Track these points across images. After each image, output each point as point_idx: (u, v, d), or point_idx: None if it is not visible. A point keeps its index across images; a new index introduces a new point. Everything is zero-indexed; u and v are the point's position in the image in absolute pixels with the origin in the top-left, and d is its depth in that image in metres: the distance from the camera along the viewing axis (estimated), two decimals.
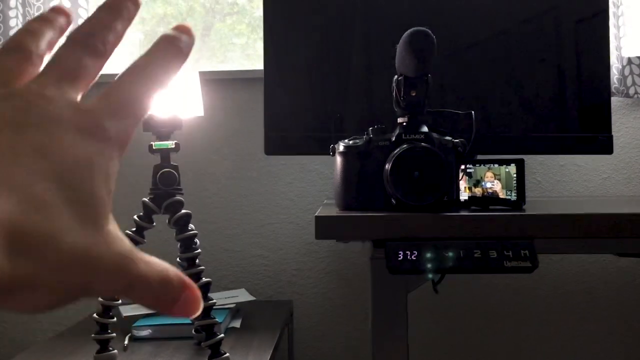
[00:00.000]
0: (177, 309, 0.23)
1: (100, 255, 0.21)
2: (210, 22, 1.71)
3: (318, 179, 1.52)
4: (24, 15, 1.47)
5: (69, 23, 0.28)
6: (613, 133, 1.21)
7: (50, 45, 0.27)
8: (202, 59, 1.65)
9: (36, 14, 1.45)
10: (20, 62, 0.25)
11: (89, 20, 0.26)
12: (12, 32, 1.43)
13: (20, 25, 1.45)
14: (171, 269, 0.24)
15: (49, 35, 0.27)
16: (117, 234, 0.22)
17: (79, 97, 0.24)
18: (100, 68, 0.26)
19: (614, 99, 1.41)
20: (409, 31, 0.80)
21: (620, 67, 1.42)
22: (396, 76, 0.87)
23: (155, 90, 0.26)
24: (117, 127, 0.24)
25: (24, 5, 1.47)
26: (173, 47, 0.27)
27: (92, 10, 1.50)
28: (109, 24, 0.26)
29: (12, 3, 1.45)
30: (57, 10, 0.28)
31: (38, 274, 0.19)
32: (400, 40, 0.81)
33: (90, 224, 0.21)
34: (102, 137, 0.23)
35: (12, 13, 1.45)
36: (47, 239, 0.19)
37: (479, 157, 0.98)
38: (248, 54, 1.68)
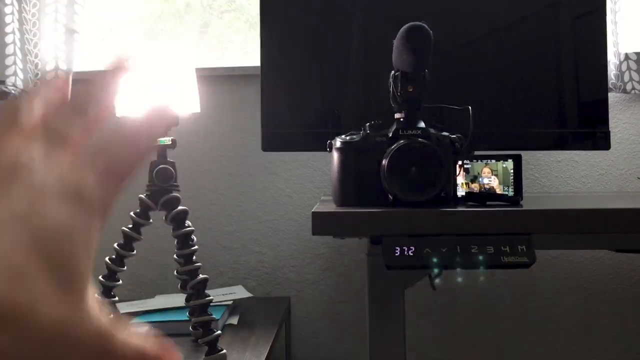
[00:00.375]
0: None
1: (78, 330, 0.20)
2: (208, 20, 1.70)
3: (316, 175, 1.51)
4: (19, 12, 1.46)
5: (65, 95, 0.28)
6: (610, 129, 1.21)
7: (43, 113, 0.26)
8: (199, 56, 1.65)
9: (32, 10, 1.45)
10: (12, 131, 0.24)
11: (82, 87, 0.26)
12: (8, 28, 1.42)
13: (16, 22, 1.45)
14: (148, 344, 0.23)
15: (43, 106, 0.26)
16: (96, 306, 0.22)
17: (67, 160, 0.24)
18: (94, 126, 0.25)
19: (611, 95, 1.40)
20: (405, 26, 0.79)
21: (618, 62, 1.42)
22: (393, 72, 0.87)
23: (142, 159, 0.26)
24: (102, 195, 0.23)
25: (19, 1, 1.46)
26: (164, 119, 0.27)
27: (87, 4, 1.49)
28: (101, 94, 0.27)
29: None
30: (57, 87, 0.27)
31: (13, 348, 0.19)
32: (397, 36, 0.81)
33: (70, 296, 0.20)
34: (85, 205, 0.22)
35: (7, 9, 1.44)
36: (25, 311, 0.19)
37: (476, 153, 0.98)
38: (246, 51, 1.68)
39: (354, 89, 1.22)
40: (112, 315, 0.22)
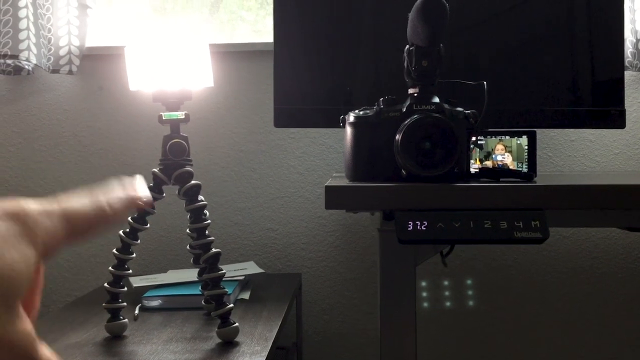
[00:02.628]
0: None
1: (3, 333, 0.22)
2: None
3: (327, 152, 1.51)
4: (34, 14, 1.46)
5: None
6: (626, 107, 1.19)
7: None
8: (210, 33, 1.64)
9: (46, 13, 1.44)
10: None
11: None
12: (21, 3, 1.42)
13: (31, 17, 1.45)
14: None
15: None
16: (23, 315, 0.23)
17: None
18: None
19: (627, 73, 1.39)
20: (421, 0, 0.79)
21: (635, 40, 1.40)
22: (407, 46, 0.86)
23: (98, 228, 0.27)
24: (44, 221, 0.24)
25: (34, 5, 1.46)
26: (133, 207, 0.29)
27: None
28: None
29: (22, 2, 1.43)
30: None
31: None
32: (413, 9, 0.80)
33: (0, 301, 0.22)
34: (23, 222, 0.24)
35: (22, 13, 1.44)
36: None
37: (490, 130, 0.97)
38: (257, 29, 1.67)
39: (366, 65, 1.21)
40: (33, 332, 0.23)
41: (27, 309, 0.28)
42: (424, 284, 1.49)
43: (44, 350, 0.24)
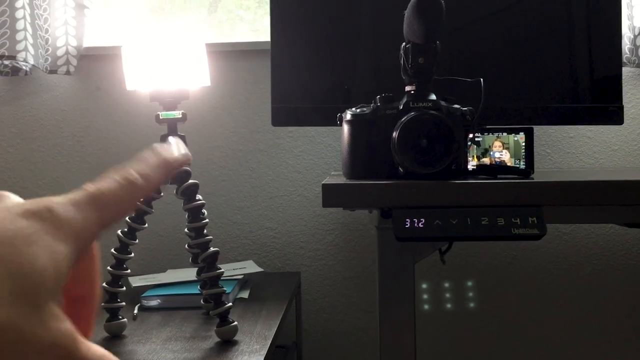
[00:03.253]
0: None
1: (34, 334, 0.20)
2: None
3: (326, 151, 1.51)
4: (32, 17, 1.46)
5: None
6: (624, 104, 1.19)
7: None
8: (208, 33, 1.64)
9: (43, 14, 1.44)
10: None
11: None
12: (18, 3, 1.42)
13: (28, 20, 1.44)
14: (109, 355, 0.23)
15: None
16: (58, 314, 0.22)
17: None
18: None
19: (625, 70, 1.39)
20: None
21: (632, 36, 1.39)
22: (404, 43, 0.86)
23: (132, 203, 0.26)
24: (77, 220, 0.23)
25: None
26: (168, 170, 0.28)
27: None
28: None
29: (19, 3, 1.43)
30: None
31: None
32: (409, 6, 0.80)
33: (24, 301, 0.20)
34: (47, 218, 0.22)
35: (19, 14, 1.43)
36: None
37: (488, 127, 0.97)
38: (255, 28, 1.67)
39: (364, 63, 1.21)
40: (73, 331, 0.22)
41: (77, 305, 0.26)
42: (424, 285, 1.49)
43: (90, 347, 0.22)
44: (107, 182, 0.25)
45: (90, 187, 0.25)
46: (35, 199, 0.23)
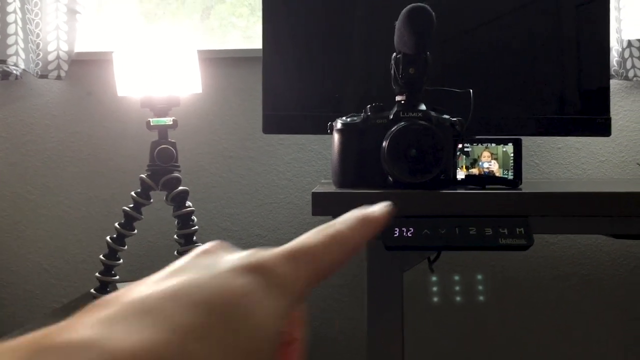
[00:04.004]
0: None
1: None
2: (210, 3, 1.69)
3: (316, 159, 1.52)
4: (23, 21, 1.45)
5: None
6: (612, 115, 1.21)
7: None
8: (201, 40, 1.64)
9: (34, 19, 1.44)
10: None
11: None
12: (9, 8, 1.42)
13: (17, 2, 1.44)
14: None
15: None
16: None
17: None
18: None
19: (613, 82, 1.40)
20: (407, 7, 0.79)
21: (620, 49, 1.41)
22: (395, 53, 0.86)
23: (344, 263, 0.25)
24: (283, 266, 0.22)
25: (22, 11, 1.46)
26: (371, 225, 0.27)
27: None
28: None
29: (10, 7, 1.43)
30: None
31: None
32: (399, 17, 0.81)
33: None
34: (261, 272, 0.22)
35: (10, 18, 1.43)
36: None
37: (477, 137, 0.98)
38: (248, 35, 1.67)
39: (356, 72, 1.22)
40: None
41: (286, 348, 0.26)
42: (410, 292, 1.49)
43: None
44: (312, 237, 0.25)
45: (297, 242, 0.24)
46: (247, 252, 0.23)
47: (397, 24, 0.83)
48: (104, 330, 0.18)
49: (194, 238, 0.97)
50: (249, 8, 1.69)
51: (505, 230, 0.74)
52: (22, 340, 0.18)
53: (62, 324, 0.19)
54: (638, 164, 1.43)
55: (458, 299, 1.51)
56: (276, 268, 0.22)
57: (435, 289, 1.50)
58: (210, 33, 1.67)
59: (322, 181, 1.28)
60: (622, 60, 1.41)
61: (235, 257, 0.23)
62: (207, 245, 0.23)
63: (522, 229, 0.74)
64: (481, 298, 1.50)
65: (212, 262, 0.22)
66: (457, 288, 1.50)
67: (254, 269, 0.22)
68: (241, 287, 0.21)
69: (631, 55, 1.41)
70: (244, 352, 0.20)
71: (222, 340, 0.19)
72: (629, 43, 1.41)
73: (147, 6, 1.68)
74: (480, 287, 1.50)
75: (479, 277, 1.50)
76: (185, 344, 0.18)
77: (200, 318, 0.19)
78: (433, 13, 0.79)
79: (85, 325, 0.18)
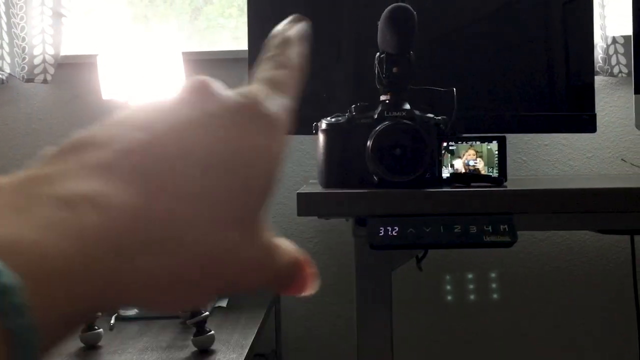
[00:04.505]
0: (293, 289, 0.23)
1: (244, 253, 0.19)
2: (199, 5, 1.69)
3: (304, 159, 1.52)
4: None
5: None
6: (597, 112, 1.21)
7: None
8: (189, 41, 1.64)
9: (20, 22, 1.43)
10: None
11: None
12: None
13: (2, 6, 1.43)
14: (297, 254, 0.22)
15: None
16: (263, 225, 0.21)
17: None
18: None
19: (598, 78, 1.41)
20: (389, 7, 0.80)
21: (605, 46, 1.42)
22: (378, 53, 0.87)
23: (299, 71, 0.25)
24: (275, 105, 0.22)
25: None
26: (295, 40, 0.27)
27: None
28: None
29: None
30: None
31: (174, 271, 0.18)
32: (381, 17, 0.81)
33: (240, 219, 0.19)
34: (259, 114, 0.21)
35: None
36: (183, 233, 0.18)
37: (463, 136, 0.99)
38: (237, 36, 1.67)
39: (345, 73, 1.22)
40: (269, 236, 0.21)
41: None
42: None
43: (277, 258, 0.21)
44: (269, 66, 0.24)
45: (264, 74, 0.24)
46: (237, 91, 0.22)
47: (380, 23, 0.83)
48: (102, 184, 0.17)
49: None
50: (238, 9, 1.69)
51: (490, 228, 0.75)
52: (20, 179, 0.17)
53: (56, 166, 0.18)
54: (623, 159, 1.44)
55: (447, 297, 1.51)
56: (269, 105, 0.22)
57: (424, 287, 1.51)
58: (199, 34, 1.67)
59: (311, 181, 1.28)
60: (607, 57, 1.42)
61: (227, 95, 0.22)
62: (193, 82, 0.22)
63: (506, 226, 0.75)
64: (471, 297, 1.51)
65: (208, 106, 0.21)
66: (446, 287, 1.51)
67: (250, 108, 0.21)
68: (248, 138, 0.20)
69: (616, 51, 1.42)
70: (237, 213, 0.19)
71: (212, 203, 0.19)
72: (614, 39, 1.42)
73: (136, 8, 1.67)
74: (469, 285, 1.51)
75: (468, 275, 1.51)
76: (197, 204, 0.18)
77: (213, 176, 0.19)
78: (415, 12, 0.79)
79: (81, 174, 0.18)
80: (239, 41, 1.64)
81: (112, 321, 1.12)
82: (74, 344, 0.99)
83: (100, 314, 0.97)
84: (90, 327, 0.99)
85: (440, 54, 1.20)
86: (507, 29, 1.22)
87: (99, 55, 0.99)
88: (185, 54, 1.16)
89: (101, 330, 1.00)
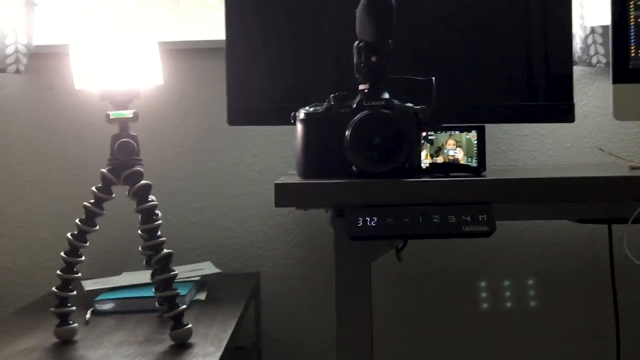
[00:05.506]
0: None
1: None
2: None
3: (285, 150, 1.50)
4: None
5: None
6: (575, 102, 1.22)
7: None
8: (169, 30, 1.61)
9: None
10: None
11: None
12: None
13: None
14: None
15: None
16: None
17: None
18: None
19: (576, 68, 1.41)
20: None
21: (584, 35, 1.42)
22: (357, 42, 0.86)
23: None
24: None
25: None
26: None
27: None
28: None
29: None
30: None
31: None
32: (359, 5, 0.80)
33: None
34: None
35: None
36: None
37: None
38: (217, 26, 1.64)
39: (325, 63, 1.21)
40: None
41: None
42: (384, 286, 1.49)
43: None
44: None
45: None
46: None
47: (358, 12, 0.82)
48: None
49: (158, 232, 0.96)
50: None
51: (468, 217, 0.74)
52: None
53: None
54: (601, 149, 1.45)
55: (427, 288, 1.51)
56: None
57: (404, 279, 1.50)
58: (179, 23, 1.64)
59: (290, 172, 1.27)
60: (586, 47, 1.43)
61: None
62: None
63: (484, 215, 0.74)
64: (451, 287, 1.51)
65: None
66: (426, 278, 1.51)
67: None
68: None
69: (594, 41, 1.42)
70: None
71: None
72: (592, 29, 1.42)
73: None
74: (449, 276, 1.51)
75: (448, 265, 1.51)
76: None
77: None
78: (393, 1, 0.78)
79: None
80: (220, 30, 1.62)
81: (88, 315, 1.10)
82: (49, 339, 0.97)
83: (74, 307, 0.95)
84: (64, 322, 0.97)
85: (419, 44, 1.20)
86: (486, 18, 1.21)
87: (70, 44, 0.96)
88: (163, 43, 1.14)
89: (76, 325, 0.98)
